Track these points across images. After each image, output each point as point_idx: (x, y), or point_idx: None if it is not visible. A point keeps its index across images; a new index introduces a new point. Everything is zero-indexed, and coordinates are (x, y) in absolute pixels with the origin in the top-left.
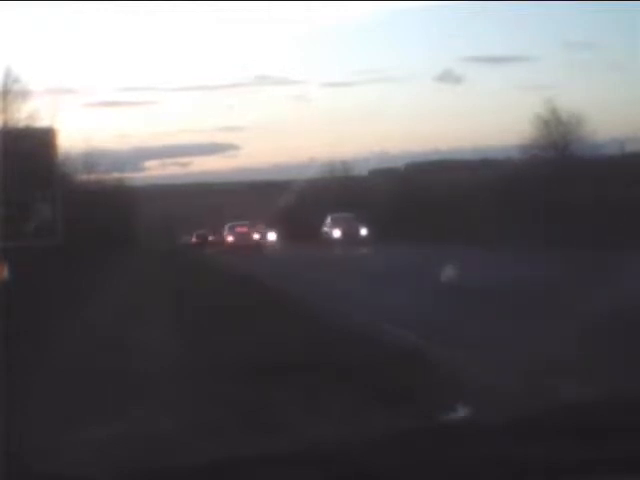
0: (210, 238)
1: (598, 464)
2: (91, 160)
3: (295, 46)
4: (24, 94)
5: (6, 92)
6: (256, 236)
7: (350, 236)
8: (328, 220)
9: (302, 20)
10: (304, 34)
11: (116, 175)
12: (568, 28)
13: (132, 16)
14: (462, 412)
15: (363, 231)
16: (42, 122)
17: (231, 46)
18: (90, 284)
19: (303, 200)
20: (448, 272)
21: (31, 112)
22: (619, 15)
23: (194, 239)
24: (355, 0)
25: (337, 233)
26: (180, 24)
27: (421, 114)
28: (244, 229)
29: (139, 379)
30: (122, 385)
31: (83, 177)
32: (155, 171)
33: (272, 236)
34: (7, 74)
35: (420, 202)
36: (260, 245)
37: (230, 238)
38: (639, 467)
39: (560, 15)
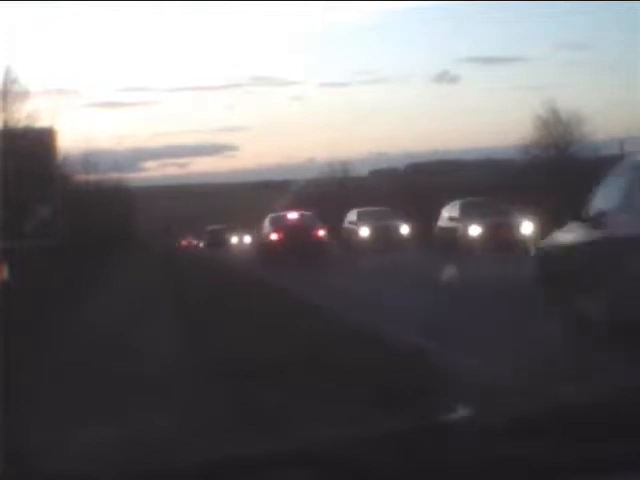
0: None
1: (598, 464)
2: (91, 160)
3: (293, 47)
4: (24, 94)
5: (6, 92)
6: (365, 232)
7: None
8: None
9: (300, 21)
10: (302, 35)
11: (115, 175)
12: (566, 28)
13: (132, 16)
14: (462, 412)
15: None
16: (42, 122)
17: (229, 47)
18: (90, 284)
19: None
20: (448, 273)
21: (31, 112)
22: (617, 15)
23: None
24: (354, 0)
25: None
26: (179, 25)
27: (420, 114)
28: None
29: (138, 379)
30: (121, 385)
31: (83, 177)
32: (154, 171)
33: (405, 229)
34: (7, 74)
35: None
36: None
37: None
38: (639, 467)
39: (558, 15)
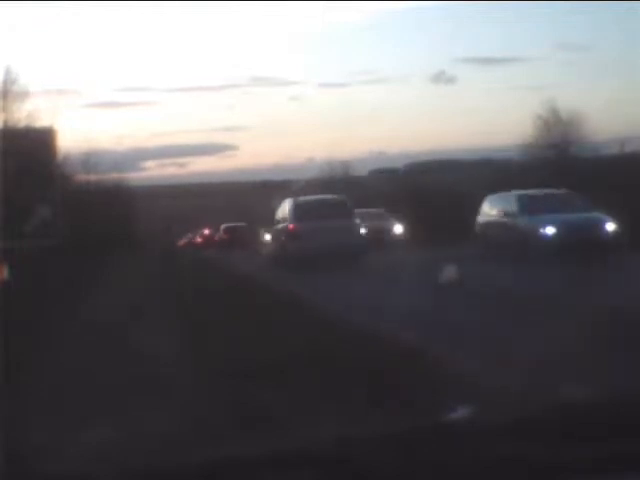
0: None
1: (598, 464)
2: (90, 160)
3: (293, 47)
4: (24, 94)
5: (6, 92)
6: None
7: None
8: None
9: (300, 21)
10: (302, 35)
11: (115, 175)
12: (566, 28)
13: (132, 16)
14: (462, 412)
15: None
16: (42, 122)
17: (229, 47)
18: (90, 284)
19: None
20: (448, 273)
21: (31, 112)
22: (617, 15)
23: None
24: (354, 0)
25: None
26: (179, 25)
27: (420, 114)
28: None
29: (138, 379)
30: (121, 385)
31: (83, 177)
32: (154, 171)
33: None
34: (7, 74)
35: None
36: None
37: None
38: (639, 467)
39: (558, 15)
